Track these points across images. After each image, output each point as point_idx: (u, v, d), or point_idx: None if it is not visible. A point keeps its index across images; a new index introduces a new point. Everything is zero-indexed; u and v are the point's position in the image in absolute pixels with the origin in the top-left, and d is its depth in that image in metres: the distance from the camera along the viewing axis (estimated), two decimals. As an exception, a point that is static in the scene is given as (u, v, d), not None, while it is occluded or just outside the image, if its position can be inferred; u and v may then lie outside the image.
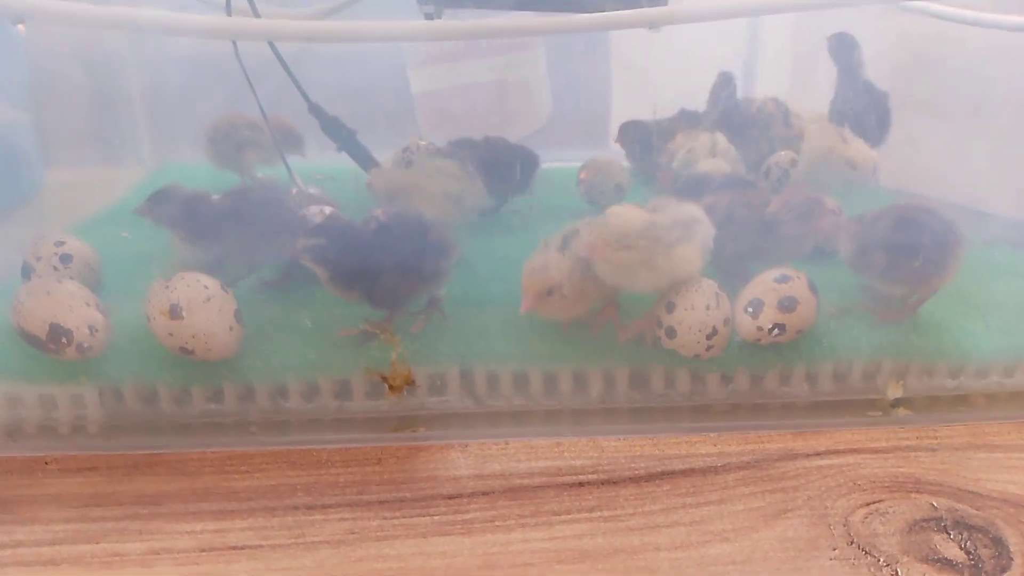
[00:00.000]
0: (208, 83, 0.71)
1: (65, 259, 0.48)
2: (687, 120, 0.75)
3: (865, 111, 0.70)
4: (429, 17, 0.49)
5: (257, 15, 0.48)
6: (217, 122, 0.68)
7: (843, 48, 0.72)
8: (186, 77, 0.73)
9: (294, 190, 0.60)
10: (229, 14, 0.48)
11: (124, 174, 0.78)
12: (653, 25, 0.41)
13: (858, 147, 0.62)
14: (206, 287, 0.42)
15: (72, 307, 0.41)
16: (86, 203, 0.70)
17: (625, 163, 0.72)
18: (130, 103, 0.77)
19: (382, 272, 0.43)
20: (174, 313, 0.41)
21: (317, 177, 0.70)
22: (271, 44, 0.53)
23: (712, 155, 0.67)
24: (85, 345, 0.41)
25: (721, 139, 0.68)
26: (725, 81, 0.75)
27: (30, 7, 0.40)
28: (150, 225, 0.60)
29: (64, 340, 0.41)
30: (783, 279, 0.44)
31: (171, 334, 0.41)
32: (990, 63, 0.66)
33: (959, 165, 0.68)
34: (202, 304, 0.41)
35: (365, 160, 0.68)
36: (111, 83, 0.75)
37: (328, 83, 0.67)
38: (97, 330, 0.41)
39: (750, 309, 0.44)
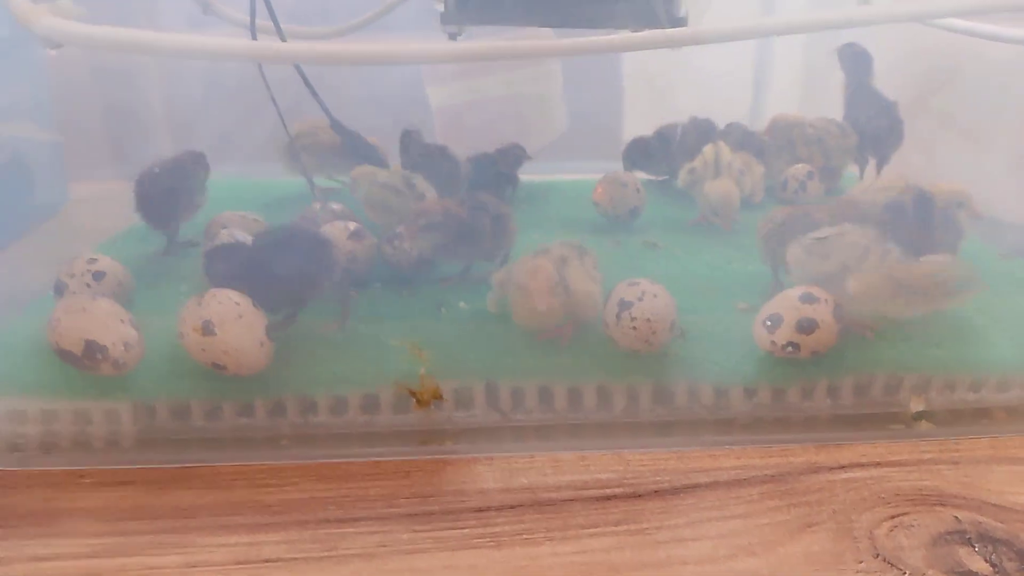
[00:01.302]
0: (229, 96, 0.72)
1: (98, 276, 0.49)
2: (699, 129, 0.75)
3: (879, 123, 0.71)
4: (452, 37, 0.50)
5: (283, 38, 0.49)
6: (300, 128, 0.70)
7: (853, 59, 0.72)
8: (207, 91, 0.74)
9: (317, 205, 0.61)
10: (254, 37, 0.49)
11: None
12: (673, 46, 0.41)
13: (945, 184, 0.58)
14: (237, 304, 0.43)
15: (107, 324, 0.42)
16: (110, 218, 0.71)
17: (642, 179, 0.72)
18: (152, 117, 0.78)
19: (270, 281, 0.46)
20: (207, 330, 0.42)
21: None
22: (296, 65, 0.54)
23: (717, 172, 0.67)
24: (120, 361, 0.42)
25: (725, 149, 0.68)
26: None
27: (66, 33, 0.40)
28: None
29: (99, 356, 0.42)
30: (808, 299, 0.44)
31: (204, 350, 0.42)
32: (1005, 73, 0.67)
33: (976, 175, 0.68)
34: (234, 321, 0.42)
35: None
36: (133, 97, 0.77)
37: (348, 97, 0.69)
38: (131, 346, 0.42)
39: (768, 323, 0.44)
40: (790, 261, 0.49)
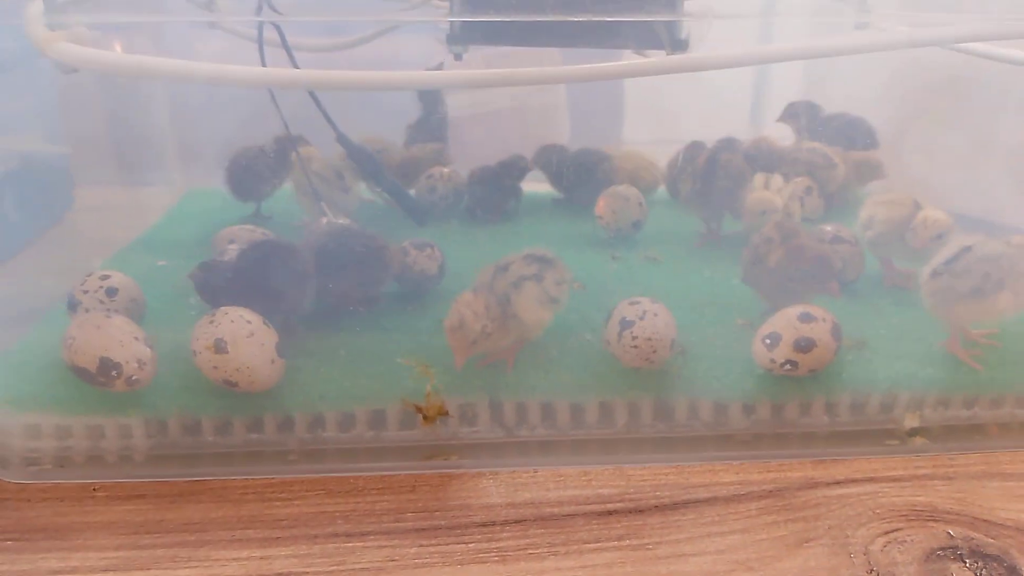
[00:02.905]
0: (233, 105, 0.73)
1: (111, 292, 0.50)
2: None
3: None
4: (458, 57, 0.51)
5: (296, 66, 0.50)
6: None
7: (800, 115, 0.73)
8: (211, 100, 0.75)
9: (324, 220, 0.62)
10: (264, 65, 0.51)
11: (154, 197, 0.80)
12: (673, 72, 0.42)
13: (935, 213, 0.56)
14: (249, 322, 0.44)
15: (122, 341, 0.43)
16: (117, 227, 0.72)
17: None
18: (158, 125, 0.79)
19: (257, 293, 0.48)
20: (219, 348, 0.43)
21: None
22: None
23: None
24: (134, 378, 0.43)
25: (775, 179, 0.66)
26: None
27: (81, 59, 0.41)
28: (184, 254, 0.62)
29: (114, 373, 0.43)
30: (806, 318, 0.45)
31: (216, 368, 0.43)
32: (1003, 75, 0.67)
33: (974, 178, 0.69)
34: (245, 339, 0.43)
35: (391, 187, 0.69)
36: (139, 105, 0.77)
37: (353, 109, 0.69)
38: (145, 364, 0.43)
39: (767, 340, 0.45)
40: (926, 294, 0.48)
